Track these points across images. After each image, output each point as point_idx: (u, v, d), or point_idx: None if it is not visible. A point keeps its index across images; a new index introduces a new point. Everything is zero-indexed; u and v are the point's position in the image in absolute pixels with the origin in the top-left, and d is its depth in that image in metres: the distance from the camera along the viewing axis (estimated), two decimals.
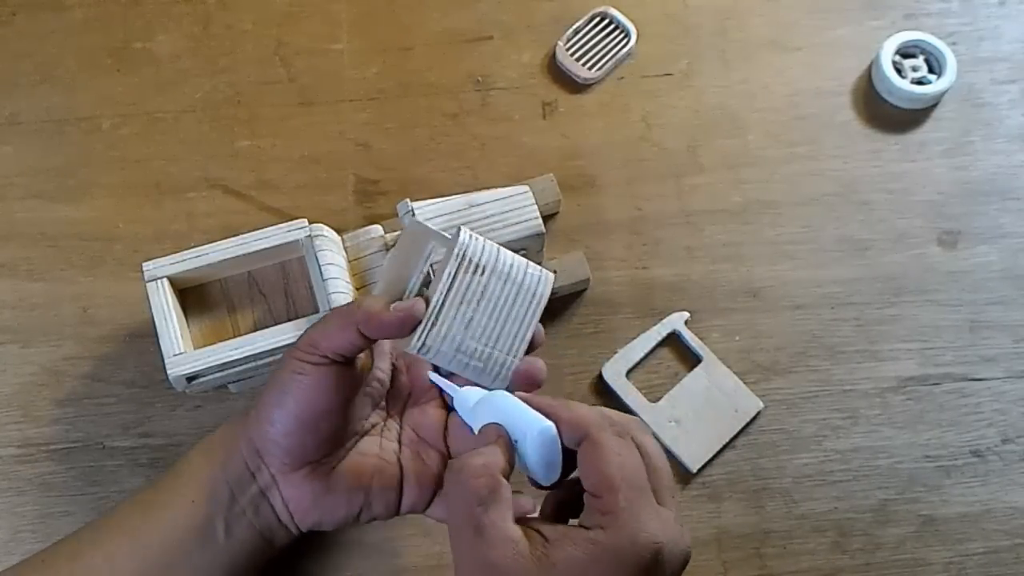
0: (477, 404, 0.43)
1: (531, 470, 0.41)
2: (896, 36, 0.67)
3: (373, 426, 0.49)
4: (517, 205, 0.56)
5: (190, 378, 0.52)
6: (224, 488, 0.47)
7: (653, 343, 0.60)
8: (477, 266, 0.43)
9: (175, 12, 0.69)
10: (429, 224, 0.47)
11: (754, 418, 0.58)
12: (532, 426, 0.41)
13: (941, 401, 0.59)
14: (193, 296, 0.56)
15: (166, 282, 0.53)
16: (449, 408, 0.49)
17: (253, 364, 0.53)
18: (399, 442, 0.49)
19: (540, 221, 0.56)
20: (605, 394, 0.59)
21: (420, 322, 0.43)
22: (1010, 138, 0.66)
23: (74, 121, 0.66)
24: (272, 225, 0.55)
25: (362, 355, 0.46)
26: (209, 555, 0.47)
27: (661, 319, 0.60)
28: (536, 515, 0.43)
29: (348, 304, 0.45)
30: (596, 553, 0.38)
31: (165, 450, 0.57)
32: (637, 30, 0.68)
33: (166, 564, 0.46)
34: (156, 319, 0.52)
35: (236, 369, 0.53)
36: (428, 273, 0.48)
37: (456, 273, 0.43)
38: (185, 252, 0.54)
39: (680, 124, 0.67)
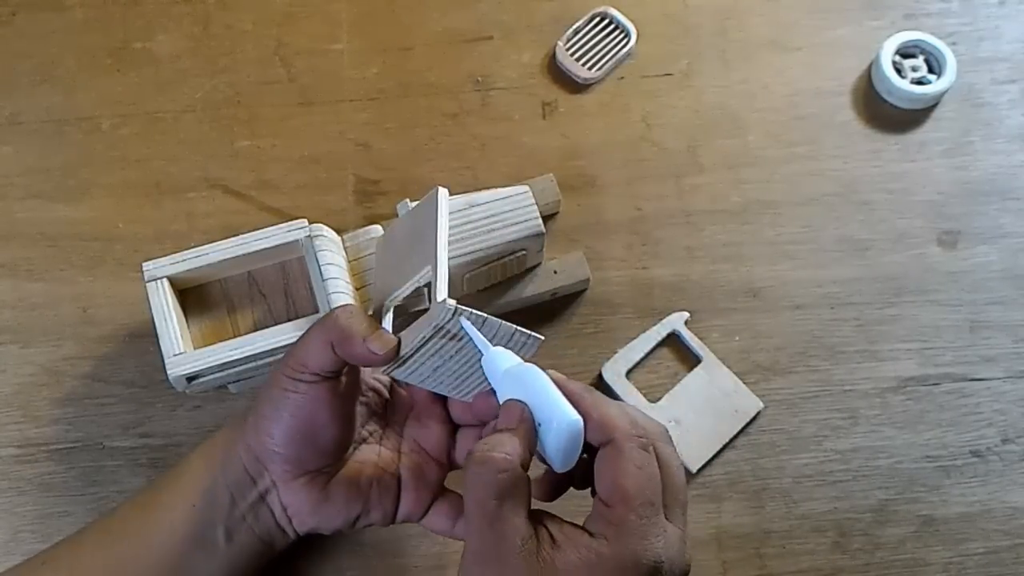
0: (506, 372, 0.42)
1: (548, 457, 0.41)
2: (896, 36, 0.67)
3: (371, 434, 0.49)
4: (517, 205, 0.56)
5: (190, 378, 0.52)
6: (224, 493, 0.47)
7: (653, 343, 0.60)
8: (454, 336, 0.43)
9: (175, 12, 0.69)
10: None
11: (754, 418, 0.58)
12: (561, 417, 0.40)
13: (941, 401, 0.59)
14: (193, 296, 0.56)
15: (166, 282, 0.53)
16: (454, 426, 0.49)
17: (253, 364, 0.53)
18: (398, 451, 0.49)
19: (540, 221, 0.56)
20: (605, 394, 0.59)
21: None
22: (1010, 138, 0.66)
23: (74, 121, 0.66)
24: (272, 225, 0.55)
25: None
26: (210, 560, 0.47)
27: (661, 319, 0.60)
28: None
29: (325, 318, 0.45)
30: (596, 563, 0.38)
31: (165, 450, 0.57)
32: (637, 30, 0.68)
33: (167, 568, 0.46)
34: (156, 319, 0.52)
35: (236, 369, 0.53)
36: (423, 292, 0.48)
37: (430, 338, 0.43)
38: (185, 252, 0.54)
39: (680, 124, 0.67)
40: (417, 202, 0.52)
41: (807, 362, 0.60)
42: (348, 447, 0.48)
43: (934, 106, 0.67)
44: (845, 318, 0.61)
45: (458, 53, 0.69)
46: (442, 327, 0.43)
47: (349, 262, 0.56)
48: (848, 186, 0.65)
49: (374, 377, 0.51)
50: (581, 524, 0.40)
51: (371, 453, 0.49)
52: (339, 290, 0.53)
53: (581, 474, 0.42)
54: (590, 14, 0.69)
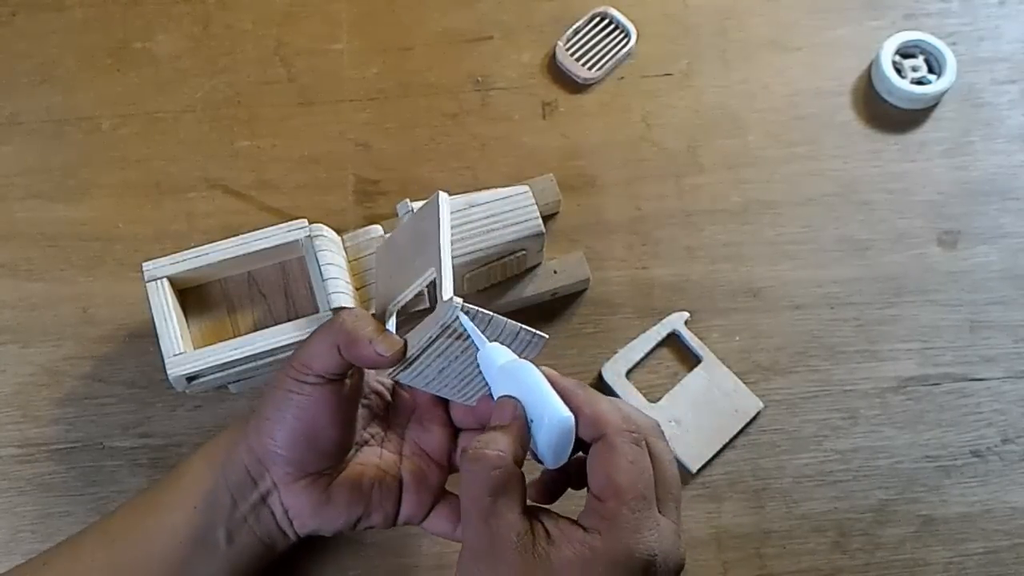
0: (501, 368, 0.42)
1: (540, 453, 0.41)
2: (896, 36, 0.67)
3: (373, 436, 0.49)
4: (517, 205, 0.56)
5: (190, 378, 0.52)
6: (225, 494, 0.47)
7: (653, 343, 0.60)
8: (460, 335, 0.43)
9: (175, 12, 0.69)
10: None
11: (754, 418, 0.58)
12: (552, 414, 0.40)
13: (941, 401, 0.59)
14: (193, 296, 0.56)
15: (166, 282, 0.53)
16: (456, 429, 0.49)
17: (253, 364, 0.53)
18: (400, 454, 0.49)
19: (540, 221, 0.56)
20: (605, 394, 0.59)
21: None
22: (1010, 138, 0.66)
23: (74, 121, 0.66)
24: (272, 225, 0.55)
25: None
26: (210, 561, 0.47)
27: (661, 319, 0.60)
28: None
29: (331, 321, 0.45)
30: (590, 558, 0.38)
31: (165, 450, 0.57)
32: (637, 30, 0.68)
33: (168, 570, 0.46)
34: (156, 319, 0.52)
35: (236, 369, 0.53)
36: (423, 292, 0.48)
37: (436, 337, 0.43)
38: (185, 252, 0.54)
39: (680, 124, 0.67)
40: (418, 202, 0.52)
41: (807, 362, 0.60)
42: (350, 449, 0.48)
43: (934, 106, 0.67)
44: (845, 318, 0.61)
45: (458, 53, 0.69)
46: (448, 326, 0.43)
47: (349, 262, 0.56)
48: (848, 186, 0.65)
49: (377, 380, 0.51)
50: (575, 519, 0.40)
51: (373, 455, 0.49)
52: (339, 290, 0.53)
53: (577, 473, 0.43)
54: (590, 14, 0.69)
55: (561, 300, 0.61)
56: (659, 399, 0.58)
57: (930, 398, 0.59)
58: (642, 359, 0.59)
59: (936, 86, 0.66)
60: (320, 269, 0.53)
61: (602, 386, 0.59)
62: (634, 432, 0.41)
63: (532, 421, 0.41)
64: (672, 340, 0.60)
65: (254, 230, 0.55)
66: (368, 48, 0.69)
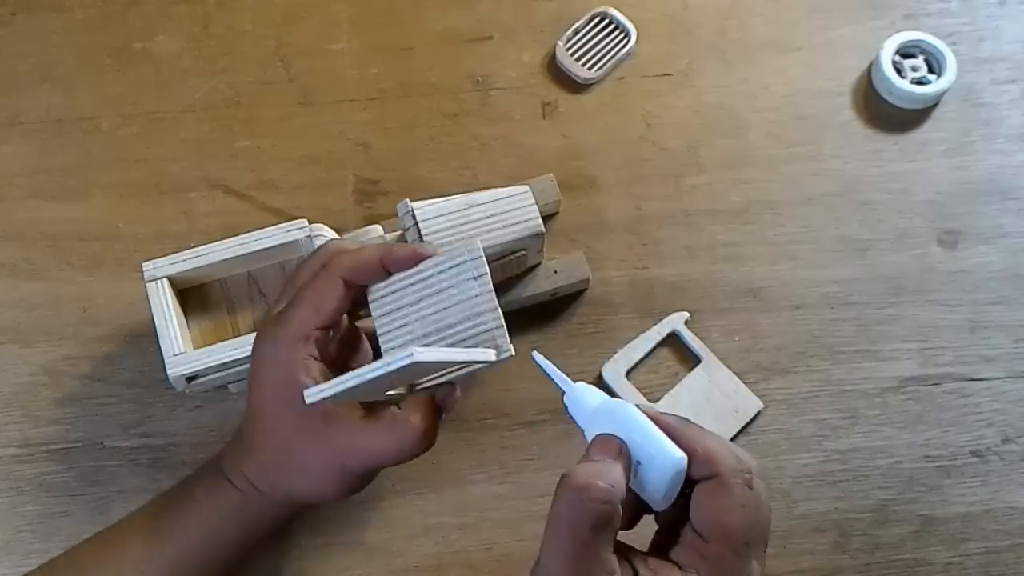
0: (596, 409, 0.41)
1: (649, 494, 0.39)
2: (896, 36, 0.67)
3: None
4: (517, 205, 0.56)
5: (190, 378, 0.52)
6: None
7: (653, 343, 0.60)
8: (474, 277, 0.45)
9: (175, 12, 0.69)
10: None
11: (754, 418, 0.58)
12: (666, 456, 0.38)
13: (941, 401, 0.59)
14: (193, 296, 0.56)
15: (166, 282, 0.53)
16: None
17: None
18: None
19: (540, 221, 0.56)
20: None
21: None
22: (1010, 138, 0.66)
23: (74, 121, 0.66)
24: (272, 225, 0.55)
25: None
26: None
27: (661, 319, 0.60)
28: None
29: (314, 263, 0.47)
30: None
31: (165, 450, 0.57)
32: (637, 30, 0.68)
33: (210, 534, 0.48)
34: (156, 319, 0.52)
35: (236, 369, 0.53)
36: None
37: (445, 264, 0.45)
38: (185, 252, 0.54)
39: (680, 124, 0.67)
40: (418, 202, 0.53)
41: (807, 362, 0.60)
42: None
43: (934, 106, 0.67)
44: (845, 318, 0.61)
45: (458, 53, 0.69)
46: (464, 263, 0.44)
47: None
48: (848, 186, 0.65)
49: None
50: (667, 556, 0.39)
51: None
52: None
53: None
54: (590, 14, 0.69)
55: (561, 300, 0.61)
56: (659, 399, 0.58)
57: (930, 398, 0.59)
58: (642, 359, 0.59)
59: (936, 86, 0.66)
60: None
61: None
62: (747, 473, 0.39)
63: (639, 463, 0.39)
64: (672, 340, 0.60)
65: (254, 230, 0.55)
66: (368, 48, 0.69)
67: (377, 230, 0.57)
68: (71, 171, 0.64)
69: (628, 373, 0.59)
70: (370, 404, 0.45)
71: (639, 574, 0.38)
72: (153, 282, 0.53)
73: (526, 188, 0.57)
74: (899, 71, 0.67)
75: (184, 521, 0.48)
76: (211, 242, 0.55)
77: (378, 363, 0.38)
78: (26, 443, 0.57)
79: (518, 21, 0.70)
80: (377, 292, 0.46)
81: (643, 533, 0.41)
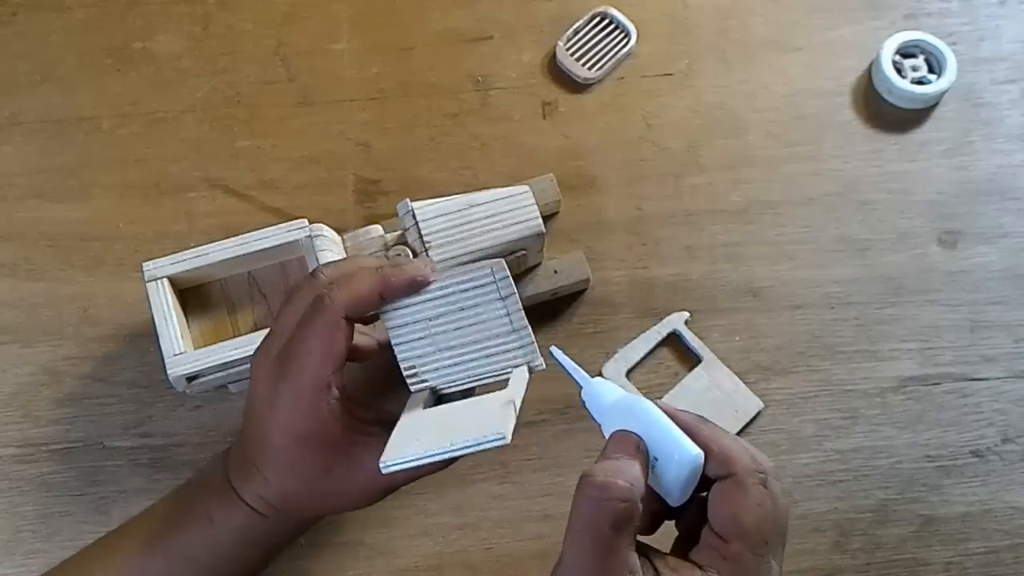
0: (613, 405, 0.41)
1: (666, 491, 0.40)
2: (896, 36, 0.67)
3: None
4: (517, 205, 0.56)
5: (190, 378, 0.52)
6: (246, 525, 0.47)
7: (653, 343, 0.60)
8: (499, 298, 0.45)
9: (175, 12, 0.69)
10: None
11: (754, 418, 0.58)
12: (683, 452, 0.39)
13: (941, 401, 0.59)
14: (193, 296, 0.56)
15: (166, 282, 0.53)
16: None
17: None
18: None
19: (540, 221, 0.56)
20: None
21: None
22: (1010, 138, 0.66)
23: (74, 121, 0.66)
24: (272, 225, 0.55)
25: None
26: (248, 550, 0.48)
27: (661, 319, 0.60)
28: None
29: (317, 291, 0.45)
30: None
31: (165, 450, 0.57)
32: (637, 30, 0.68)
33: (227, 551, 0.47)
34: (156, 319, 0.52)
35: (236, 369, 0.53)
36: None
37: (465, 284, 0.45)
38: (185, 252, 0.54)
39: (680, 124, 0.67)
40: (418, 202, 0.52)
41: (807, 362, 0.60)
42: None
43: (934, 106, 0.67)
44: (845, 318, 0.61)
45: (458, 53, 0.69)
46: (490, 284, 0.44)
47: None
48: (848, 186, 0.65)
49: None
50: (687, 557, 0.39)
51: None
52: None
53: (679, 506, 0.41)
54: (590, 14, 0.69)
55: (561, 300, 0.61)
56: (659, 399, 0.58)
57: (930, 398, 0.59)
58: (642, 359, 0.59)
59: (936, 86, 0.66)
60: None
61: None
62: (762, 473, 0.39)
63: (656, 459, 0.39)
64: (672, 340, 0.60)
65: (254, 230, 0.55)
66: (368, 48, 0.69)
67: (377, 230, 0.57)
68: (71, 171, 0.64)
69: (628, 373, 0.59)
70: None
71: (660, 573, 0.38)
72: (153, 282, 0.53)
73: (526, 188, 0.57)
74: (899, 71, 0.67)
75: (200, 541, 0.47)
76: (211, 242, 0.55)
77: (469, 441, 0.40)
78: (26, 443, 0.57)
79: (518, 21, 0.70)
80: (390, 305, 0.46)
81: (664, 534, 0.41)
